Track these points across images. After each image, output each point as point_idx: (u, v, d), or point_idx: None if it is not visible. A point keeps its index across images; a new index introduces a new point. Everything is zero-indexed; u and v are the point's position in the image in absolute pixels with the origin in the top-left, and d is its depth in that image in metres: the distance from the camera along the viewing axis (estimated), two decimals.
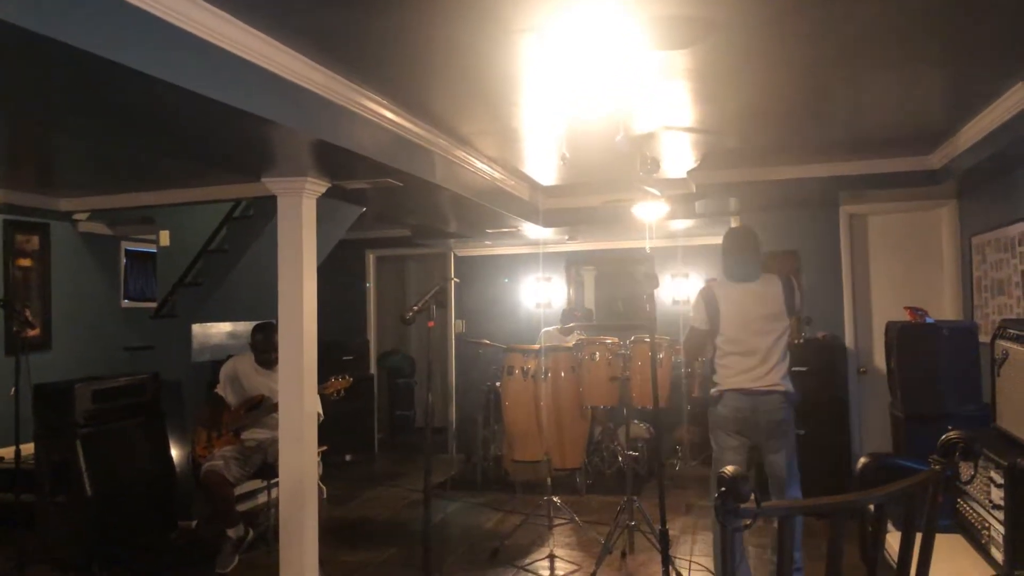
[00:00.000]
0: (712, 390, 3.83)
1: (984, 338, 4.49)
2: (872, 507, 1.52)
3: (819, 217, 6.17)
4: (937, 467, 1.39)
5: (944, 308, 5.74)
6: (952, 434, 1.39)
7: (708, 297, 3.84)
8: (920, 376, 4.36)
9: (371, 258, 9.17)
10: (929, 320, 4.60)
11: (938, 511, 1.41)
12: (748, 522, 1.13)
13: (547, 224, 6.95)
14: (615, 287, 8.84)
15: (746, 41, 3.01)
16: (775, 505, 1.16)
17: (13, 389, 3.94)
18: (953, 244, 5.80)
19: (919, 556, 1.39)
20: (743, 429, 3.72)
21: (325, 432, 4.27)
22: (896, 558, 1.43)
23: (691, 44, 2.99)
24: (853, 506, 1.26)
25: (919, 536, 1.41)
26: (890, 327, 4.72)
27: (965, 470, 1.33)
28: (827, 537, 1.29)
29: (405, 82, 3.50)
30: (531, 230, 7.17)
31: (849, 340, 6.07)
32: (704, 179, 5.71)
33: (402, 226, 7.95)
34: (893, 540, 1.71)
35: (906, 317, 4.79)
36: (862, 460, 4.09)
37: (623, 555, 4.66)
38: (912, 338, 4.44)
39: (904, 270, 6.04)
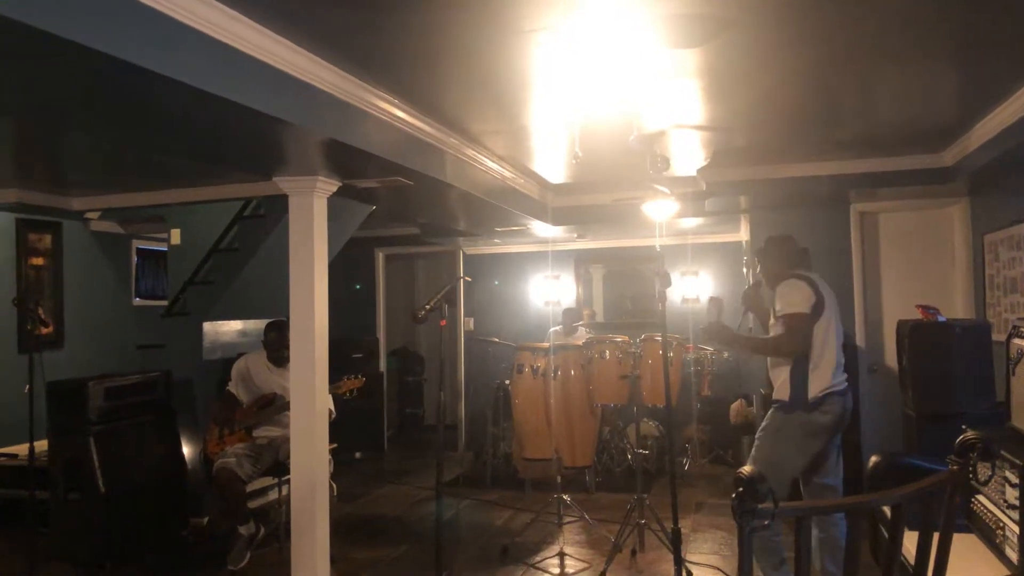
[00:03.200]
0: (807, 393, 3.52)
1: (997, 336, 4.47)
2: (888, 507, 1.51)
3: (829, 215, 6.14)
4: (955, 467, 1.39)
5: (956, 306, 5.71)
6: (970, 434, 1.39)
7: (812, 286, 3.62)
8: (932, 375, 4.34)
9: (380, 256, 9.19)
10: (941, 319, 4.57)
11: (955, 512, 1.41)
12: (766, 522, 1.14)
13: (556, 222, 6.95)
14: (624, 285, 8.84)
15: (758, 39, 3.00)
16: (792, 506, 1.16)
17: (27, 387, 3.96)
18: (965, 242, 5.77)
19: (936, 557, 1.38)
20: (838, 432, 3.64)
21: (335, 429, 4.29)
22: (908, 558, 1.42)
23: (704, 42, 2.99)
24: (871, 506, 1.26)
25: (935, 536, 1.41)
26: (902, 325, 4.70)
27: (982, 470, 1.32)
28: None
29: (416, 81, 3.50)
30: (540, 228, 7.17)
31: (860, 338, 6.04)
32: (714, 177, 5.70)
33: (411, 224, 7.97)
34: (906, 540, 1.71)
35: (918, 315, 4.77)
36: (873, 459, 4.10)
37: (633, 553, 4.66)
38: (924, 336, 4.42)
39: (915, 268, 6.01)
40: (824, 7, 2.70)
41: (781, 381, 3.61)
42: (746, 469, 1.16)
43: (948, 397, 4.23)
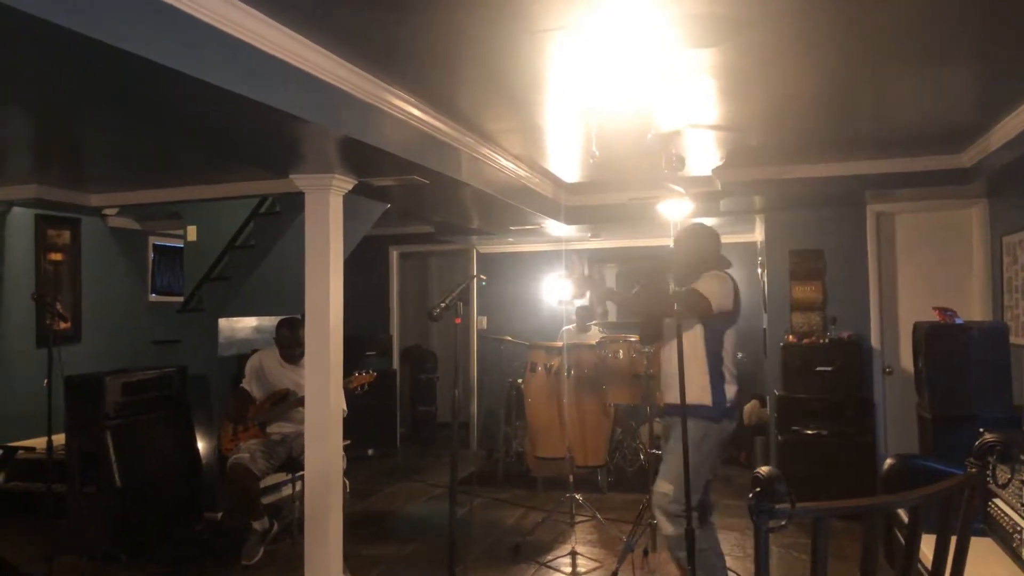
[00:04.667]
0: (726, 400, 3.39)
1: (1015, 339, 4.44)
2: (904, 510, 1.50)
3: (845, 216, 6.11)
4: (973, 470, 1.38)
5: (973, 309, 5.67)
6: (989, 436, 1.38)
7: (734, 285, 3.48)
8: (949, 377, 4.31)
9: (394, 254, 9.22)
10: (958, 321, 4.54)
11: (973, 515, 1.40)
12: (783, 523, 1.14)
13: (570, 221, 6.95)
14: (637, 285, 8.80)
15: (775, 37, 2.99)
16: (811, 506, 1.16)
17: (46, 381, 4.01)
18: (983, 244, 5.72)
19: (953, 560, 1.37)
20: None
21: (347, 426, 4.31)
22: (924, 562, 1.42)
23: (722, 42, 2.98)
24: (890, 508, 1.26)
25: (952, 540, 1.40)
26: (918, 327, 4.67)
27: (1002, 473, 1.31)
28: (847, 537, 1.28)
29: (433, 80, 3.51)
30: (554, 227, 7.17)
31: (875, 340, 6.01)
32: (729, 177, 5.68)
33: (425, 223, 7.99)
34: (922, 544, 1.70)
35: (934, 317, 4.74)
36: (888, 461, 4.08)
37: (645, 553, 4.66)
38: (941, 339, 4.40)
39: (932, 270, 5.97)
40: (843, 7, 2.69)
41: (699, 385, 3.35)
42: (763, 469, 1.16)
43: (964, 400, 4.21)
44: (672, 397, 3.42)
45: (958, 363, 4.27)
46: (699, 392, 3.34)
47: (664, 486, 3.34)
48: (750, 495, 1.17)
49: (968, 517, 1.37)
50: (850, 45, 3.11)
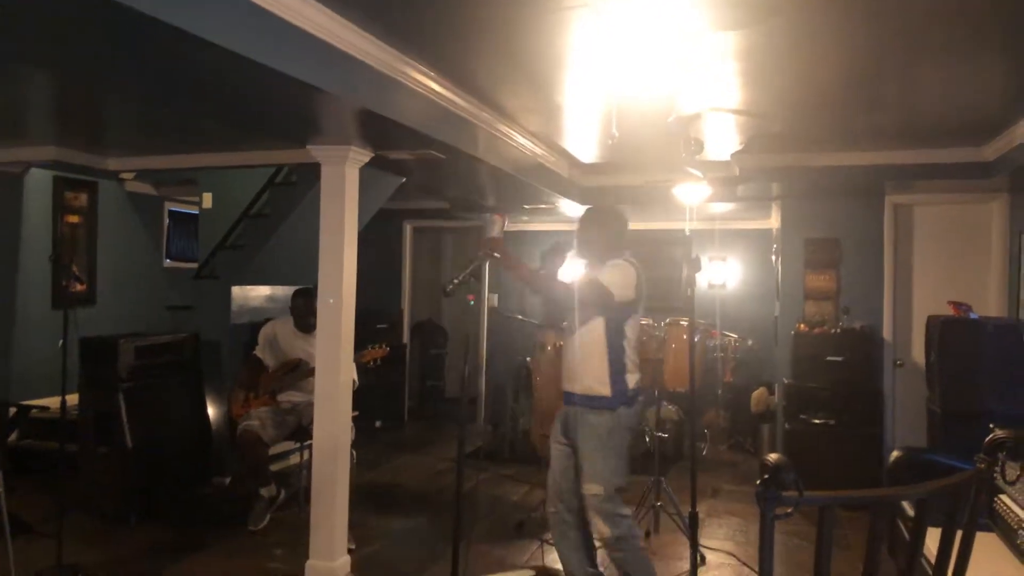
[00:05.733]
0: (627, 387, 3.33)
1: None
2: (911, 503, 1.51)
3: (863, 206, 6.06)
4: (982, 465, 1.38)
5: (989, 304, 5.62)
6: (1000, 432, 1.37)
7: (637, 273, 3.37)
8: (961, 372, 4.30)
9: (408, 228, 9.23)
10: (973, 316, 4.51)
11: (979, 511, 1.40)
12: (789, 510, 1.14)
13: (584, 201, 6.92)
14: (649, 268, 8.69)
15: (802, 22, 2.95)
16: (818, 495, 1.16)
17: (61, 341, 4.05)
18: (1002, 239, 5.67)
19: (957, 555, 1.38)
20: None
21: (357, 398, 4.34)
22: (927, 556, 1.42)
23: (748, 25, 2.94)
24: (897, 500, 1.26)
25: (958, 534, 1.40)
26: (932, 321, 4.64)
27: (1011, 470, 1.30)
28: (850, 526, 1.29)
29: (453, 55, 3.49)
30: (568, 207, 7.14)
31: (887, 332, 5.98)
32: (747, 163, 5.63)
33: (440, 198, 7.98)
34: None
35: (949, 311, 4.71)
36: (895, 454, 4.08)
37: (648, 535, 4.69)
38: (955, 333, 4.37)
39: (949, 263, 5.92)
40: None
41: (597, 378, 3.31)
42: (772, 456, 1.16)
43: (976, 395, 4.20)
44: (570, 387, 3.43)
45: (971, 358, 4.25)
46: (597, 384, 3.31)
47: (593, 488, 3.27)
48: (758, 482, 1.18)
49: (974, 512, 1.37)
50: (877, 33, 3.06)
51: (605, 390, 3.30)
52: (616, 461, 3.31)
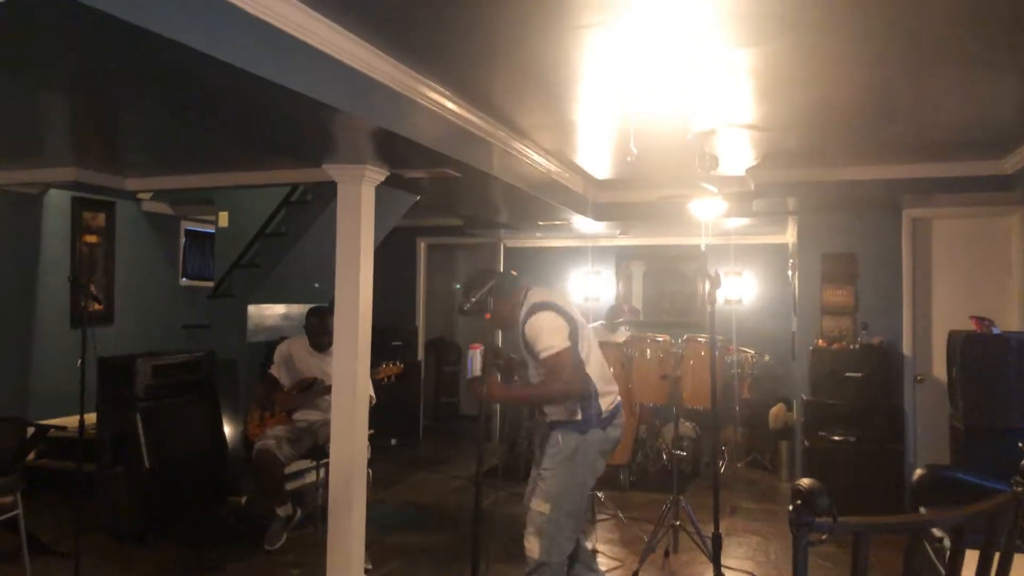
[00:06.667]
0: (600, 410, 3.27)
1: None
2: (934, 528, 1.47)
3: (880, 220, 6.01)
4: (1020, 489, 1.35)
5: (1012, 319, 5.55)
6: None
7: (557, 311, 3.28)
8: (984, 388, 4.23)
9: (422, 246, 9.26)
10: (996, 331, 4.45)
11: (1016, 535, 1.37)
12: (824, 536, 1.11)
13: (599, 218, 6.92)
14: (663, 283, 8.75)
15: (817, 37, 2.94)
16: (853, 521, 1.14)
17: (79, 361, 4.07)
18: (1022, 253, 5.60)
19: None
20: None
21: (372, 415, 4.32)
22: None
23: (765, 42, 2.93)
24: (934, 525, 1.23)
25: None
26: (954, 336, 4.59)
27: None
28: (873, 546, 1.25)
29: (468, 73, 3.50)
30: (582, 223, 7.14)
31: (907, 347, 5.92)
32: (763, 178, 5.61)
33: (454, 216, 7.99)
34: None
35: (970, 326, 4.65)
36: (918, 471, 4.02)
37: (666, 554, 4.63)
38: (978, 348, 4.31)
39: (969, 278, 5.85)
40: (888, 9, 2.63)
41: (569, 409, 3.27)
42: (805, 481, 1.14)
43: (1000, 411, 4.13)
44: (546, 416, 3.38)
45: (995, 374, 4.19)
46: (569, 413, 3.26)
47: (540, 505, 3.21)
48: (790, 507, 1.15)
49: (1012, 537, 1.34)
50: (893, 47, 3.05)
51: (576, 416, 3.26)
52: (571, 484, 3.22)
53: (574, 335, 3.24)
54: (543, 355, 3.16)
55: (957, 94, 3.68)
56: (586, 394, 3.22)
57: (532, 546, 3.19)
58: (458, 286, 2.91)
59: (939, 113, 4.04)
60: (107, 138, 5.25)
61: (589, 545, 4.69)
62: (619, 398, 3.40)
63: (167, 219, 7.68)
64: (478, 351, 3.17)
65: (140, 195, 6.89)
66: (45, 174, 6.00)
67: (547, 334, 3.16)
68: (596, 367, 3.33)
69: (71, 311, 6.49)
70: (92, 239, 6.78)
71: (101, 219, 6.87)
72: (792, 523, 1.13)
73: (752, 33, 2.85)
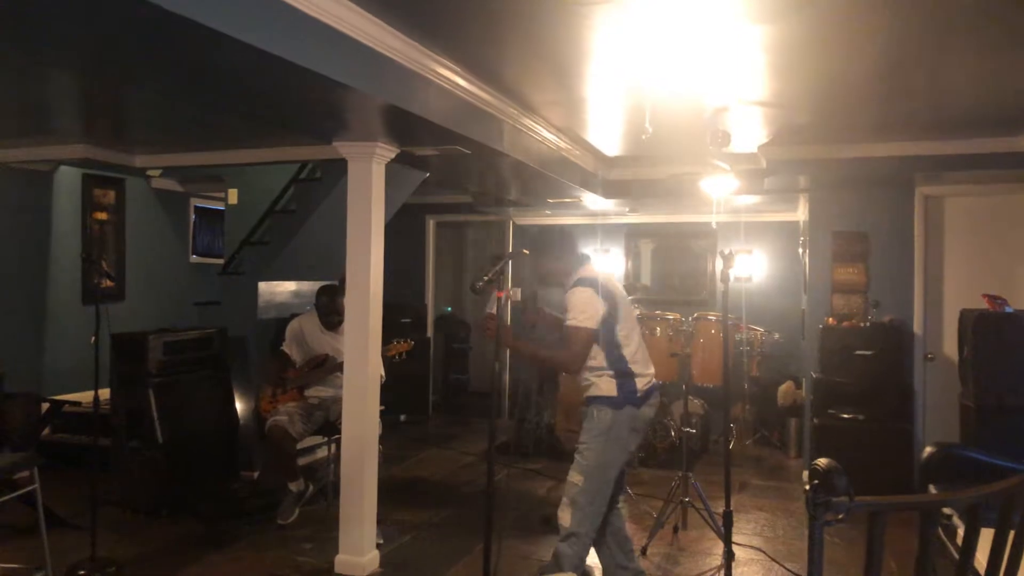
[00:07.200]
0: (636, 389, 3.35)
1: None
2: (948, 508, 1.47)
3: (892, 197, 5.96)
4: None
5: (1023, 297, 5.51)
6: None
7: (600, 291, 3.36)
8: (996, 367, 4.22)
9: (431, 223, 9.25)
10: (1009, 309, 4.43)
11: None
12: (841, 516, 1.12)
13: (609, 195, 6.89)
14: (672, 261, 8.72)
15: (833, 12, 2.90)
16: (870, 500, 1.14)
17: (93, 337, 4.10)
18: None
19: (1009, 557, 1.35)
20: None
21: (382, 392, 4.35)
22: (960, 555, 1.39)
23: (782, 17, 2.90)
24: (949, 504, 1.23)
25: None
26: (966, 315, 4.57)
27: None
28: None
29: (479, 49, 3.47)
30: (592, 201, 7.11)
31: (918, 325, 5.89)
32: (775, 155, 5.56)
33: (463, 193, 7.97)
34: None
35: (982, 304, 4.63)
36: (928, 449, 4.02)
37: (675, 530, 4.67)
38: (990, 327, 4.30)
39: (981, 256, 5.81)
40: None
41: (605, 388, 3.36)
42: (823, 461, 1.14)
43: (1011, 390, 4.13)
44: (583, 395, 3.49)
45: (1006, 352, 4.18)
46: (606, 389, 3.37)
47: (575, 476, 3.32)
48: (806, 487, 1.15)
49: None
50: (907, 21, 3.00)
51: (612, 392, 3.35)
52: (606, 458, 3.31)
53: (610, 319, 3.35)
54: (568, 323, 3.33)
55: (971, 69, 3.63)
56: (622, 371, 3.34)
57: (564, 515, 3.30)
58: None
59: (953, 89, 3.98)
60: (117, 115, 5.25)
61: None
62: (655, 380, 3.50)
63: (177, 196, 7.69)
64: (502, 296, 3.23)
65: (150, 172, 6.88)
66: (54, 151, 6.01)
67: (579, 308, 3.31)
68: (635, 349, 3.42)
69: (83, 288, 6.52)
70: (102, 216, 6.79)
71: (111, 196, 6.88)
72: (809, 503, 1.13)
73: (768, 9, 2.81)
